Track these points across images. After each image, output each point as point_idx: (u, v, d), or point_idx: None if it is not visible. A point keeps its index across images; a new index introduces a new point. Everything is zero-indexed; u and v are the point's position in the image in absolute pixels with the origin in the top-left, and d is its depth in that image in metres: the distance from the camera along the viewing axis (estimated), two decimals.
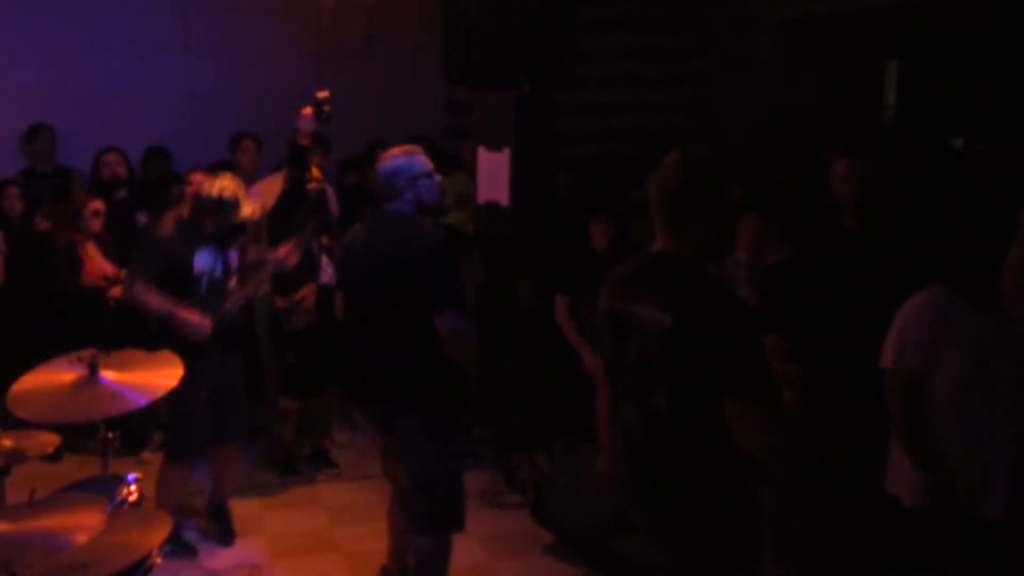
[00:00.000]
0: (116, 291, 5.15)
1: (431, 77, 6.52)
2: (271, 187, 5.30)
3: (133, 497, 3.09)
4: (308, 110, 4.44)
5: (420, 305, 3.28)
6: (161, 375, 3.37)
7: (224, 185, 4.10)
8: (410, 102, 6.96)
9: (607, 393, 2.71)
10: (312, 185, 4.91)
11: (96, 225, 5.23)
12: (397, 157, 3.45)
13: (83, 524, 2.46)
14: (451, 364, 3.37)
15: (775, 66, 7.15)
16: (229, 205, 4.09)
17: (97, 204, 5.26)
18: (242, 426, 4.45)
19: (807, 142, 6.17)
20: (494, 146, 4.81)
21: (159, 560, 3.02)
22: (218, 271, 4.23)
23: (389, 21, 7.19)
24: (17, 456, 3.23)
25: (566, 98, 5.75)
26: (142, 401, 3.23)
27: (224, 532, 4.48)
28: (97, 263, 5.24)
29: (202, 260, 4.14)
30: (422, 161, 3.46)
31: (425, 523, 3.47)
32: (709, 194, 2.38)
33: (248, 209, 4.18)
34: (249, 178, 5.89)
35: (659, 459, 2.45)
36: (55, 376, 3.30)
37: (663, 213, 2.43)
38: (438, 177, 3.50)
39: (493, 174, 4.81)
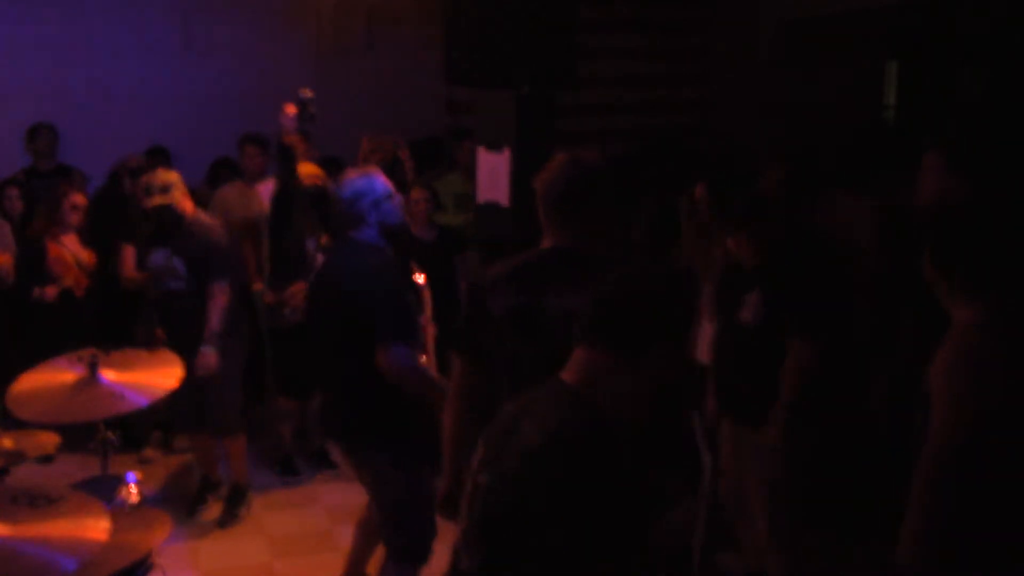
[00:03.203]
0: (83, 281, 5.25)
1: (431, 77, 6.52)
2: (272, 190, 5.32)
3: (133, 497, 3.09)
4: (291, 108, 4.47)
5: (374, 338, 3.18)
6: (161, 375, 3.38)
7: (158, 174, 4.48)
8: (410, 102, 6.96)
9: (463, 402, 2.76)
10: (311, 182, 4.90)
11: (75, 219, 5.23)
12: (356, 181, 3.33)
13: (83, 525, 2.46)
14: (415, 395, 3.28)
15: (775, 66, 7.14)
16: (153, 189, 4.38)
17: (77, 198, 5.25)
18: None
19: (807, 142, 6.17)
20: (494, 146, 4.81)
21: (159, 560, 3.03)
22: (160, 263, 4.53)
23: (389, 21, 7.19)
24: (17, 456, 3.24)
25: (566, 98, 5.73)
26: (142, 401, 3.24)
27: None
28: (70, 252, 5.24)
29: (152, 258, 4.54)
30: (383, 182, 3.36)
31: (396, 554, 3.41)
32: (588, 201, 2.58)
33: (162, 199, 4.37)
34: (254, 180, 5.90)
35: None
36: (55, 376, 3.30)
37: (548, 215, 2.63)
38: (398, 197, 3.42)
39: (493, 174, 4.80)
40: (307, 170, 4.96)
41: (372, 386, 3.21)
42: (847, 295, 3.49)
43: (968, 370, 2.34)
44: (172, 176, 4.48)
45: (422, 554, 3.41)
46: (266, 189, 5.77)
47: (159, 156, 6.35)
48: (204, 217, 4.63)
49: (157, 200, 4.38)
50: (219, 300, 4.41)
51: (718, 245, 4.27)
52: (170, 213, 4.42)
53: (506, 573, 1.18)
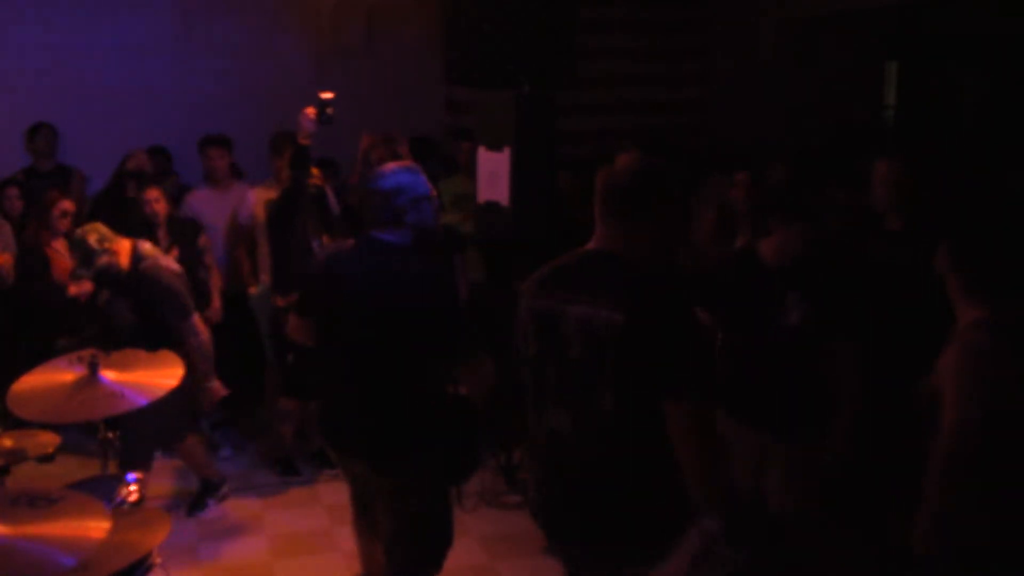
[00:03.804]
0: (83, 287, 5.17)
1: (431, 77, 6.52)
2: (264, 195, 5.32)
3: (133, 497, 3.09)
4: (311, 110, 4.45)
5: (430, 350, 3.01)
6: (161, 375, 3.38)
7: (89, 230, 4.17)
8: (410, 102, 6.96)
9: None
10: (311, 181, 4.90)
11: (64, 225, 5.26)
12: (399, 174, 3.09)
13: (83, 525, 2.46)
14: (459, 402, 3.17)
15: (775, 66, 7.15)
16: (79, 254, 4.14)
17: (66, 204, 5.27)
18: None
19: (807, 142, 6.17)
20: (494, 146, 4.80)
21: (159, 560, 3.03)
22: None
23: (389, 21, 7.19)
24: (17, 456, 3.23)
25: (566, 98, 5.73)
26: (142, 401, 3.24)
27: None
28: (65, 260, 5.24)
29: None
30: (424, 182, 3.13)
31: (413, 569, 3.28)
32: (657, 199, 2.40)
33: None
34: (220, 184, 5.88)
35: (596, 460, 2.40)
36: (55, 376, 3.30)
37: (607, 212, 2.45)
38: (436, 198, 3.23)
39: (493, 174, 4.80)
40: None
41: (414, 399, 3.06)
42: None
43: (976, 368, 2.38)
44: (91, 237, 4.14)
45: (438, 564, 3.31)
46: (231, 195, 5.77)
47: (159, 156, 6.36)
48: (150, 252, 4.33)
49: (88, 278, 4.31)
50: (193, 342, 4.23)
51: (744, 237, 4.23)
52: (106, 278, 4.26)
53: None
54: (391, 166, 3.18)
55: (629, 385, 2.29)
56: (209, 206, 5.76)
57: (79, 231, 4.23)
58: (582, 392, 2.38)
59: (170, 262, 4.44)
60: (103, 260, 4.13)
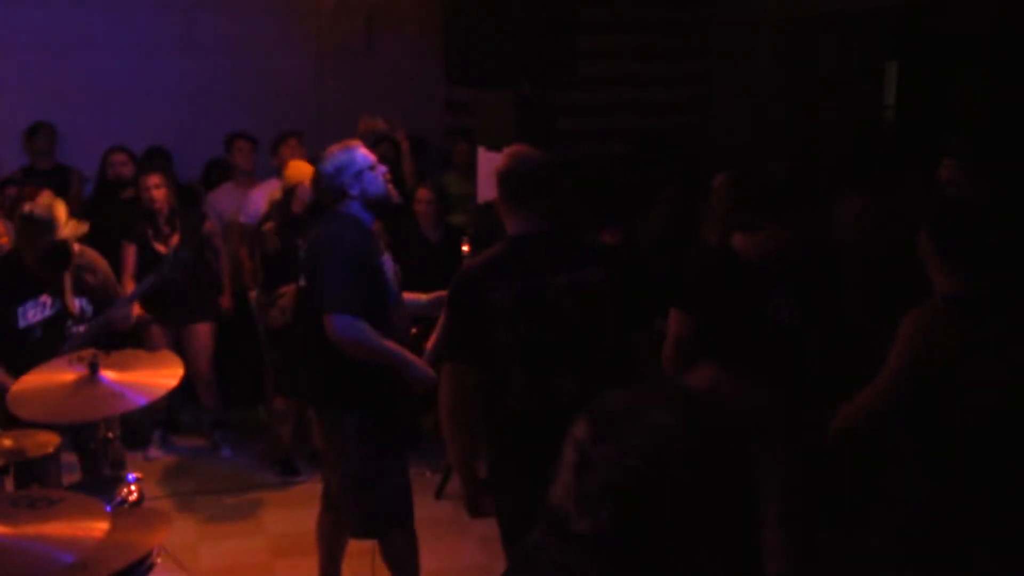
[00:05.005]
0: None
1: (431, 77, 6.52)
2: (271, 192, 5.32)
3: (133, 497, 3.10)
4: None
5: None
6: (161, 375, 3.37)
7: (41, 203, 3.83)
8: (410, 102, 6.96)
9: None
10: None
11: None
12: (337, 154, 3.35)
13: (83, 525, 2.46)
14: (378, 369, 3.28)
15: (775, 66, 7.15)
16: (44, 225, 3.77)
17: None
18: None
19: (807, 142, 6.18)
20: (494, 146, 4.81)
21: (159, 560, 3.03)
22: (48, 313, 3.93)
23: (389, 21, 7.19)
24: (17, 456, 3.23)
25: (566, 98, 5.74)
26: (142, 401, 3.23)
27: None
28: None
29: (28, 314, 3.91)
30: (363, 154, 3.37)
31: (363, 528, 3.40)
32: (559, 183, 2.94)
33: (69, 229, 3.84)
34: (246, 177, 5.91)
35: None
36: (55, 376, 3.29)
37: (510, 200, 2.90)
38: (382, 168, 3.40)
39: (493, 174, 4.81)
40: (304, 170, 4.97)
41: (336, 352, 3.23)
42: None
43: (924, 324, 2.62)
44: (61, 206, 3.91)
45: (396, 519, 3.39)
46: (257, 192, 5.77)
47: (158, 156, 6.36)
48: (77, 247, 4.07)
49: (66, 233, 3.84)
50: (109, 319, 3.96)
51: (715, 236, 4.23)
52: (67, 251, 3.91)
53: (636, 527, 1.26)
54: (331, 149, 3.41)
55: (621, 327, 2.84)
56: (231, 204, 5.78)
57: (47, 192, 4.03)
58: (584, 349, 2.78)
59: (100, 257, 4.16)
60: (72, 226, 3.93)
